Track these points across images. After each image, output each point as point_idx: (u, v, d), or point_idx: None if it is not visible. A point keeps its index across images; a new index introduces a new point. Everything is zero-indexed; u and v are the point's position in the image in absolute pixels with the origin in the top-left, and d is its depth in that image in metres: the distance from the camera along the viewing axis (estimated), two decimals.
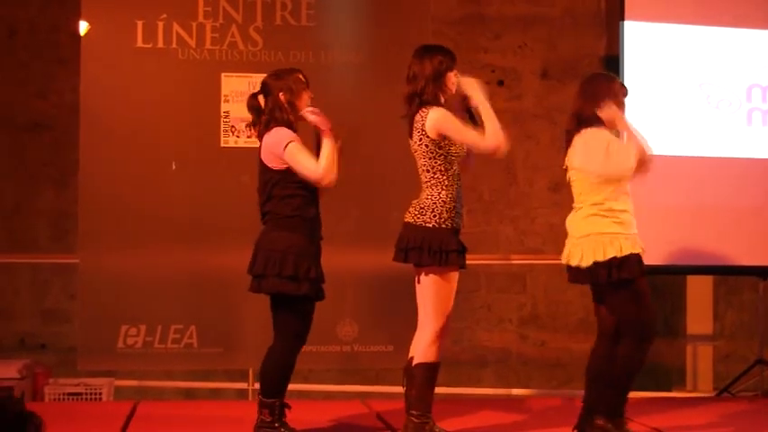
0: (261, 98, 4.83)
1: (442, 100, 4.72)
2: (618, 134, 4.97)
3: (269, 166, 4.72)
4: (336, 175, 4.73)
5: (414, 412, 4.68)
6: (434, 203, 4.65)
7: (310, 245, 4.71)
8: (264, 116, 4.79)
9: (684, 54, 6.87)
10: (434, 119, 4.64)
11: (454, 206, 4.68)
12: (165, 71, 6.24)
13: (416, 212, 4.68)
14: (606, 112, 4.79)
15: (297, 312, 4.71)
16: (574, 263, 4.78)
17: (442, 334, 4.71)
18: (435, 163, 4.67)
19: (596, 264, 4.70)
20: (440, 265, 4.62)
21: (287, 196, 4.69)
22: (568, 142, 4.90)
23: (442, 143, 4.66)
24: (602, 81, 4.94)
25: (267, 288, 4.68)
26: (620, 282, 4.70)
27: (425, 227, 4.63)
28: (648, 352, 4.85)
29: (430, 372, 4.70)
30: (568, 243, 4.87)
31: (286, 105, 4.75)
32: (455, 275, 4.70)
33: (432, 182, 4.69)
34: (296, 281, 4.62)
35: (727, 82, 6.92)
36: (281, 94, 4.75)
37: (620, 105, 4.89)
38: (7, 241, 7.47)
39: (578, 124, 4.85)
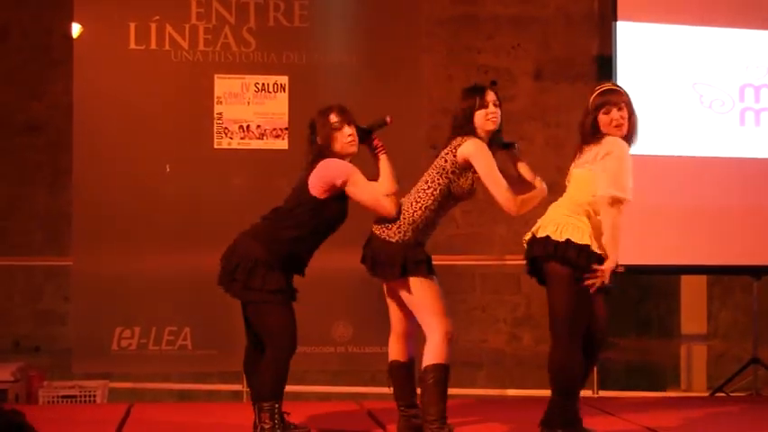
0: None
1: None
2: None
3: (308, 186, 4.63)
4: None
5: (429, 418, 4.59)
6: (404, 220, 4.62)
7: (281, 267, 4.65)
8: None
9: (677, 54, 6.88)
10: (470, 146, 4.61)
11: (425, 228, 4.65)
12: (158, 73, 6.25)
13: (383, 227, 4.65)
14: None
15: (273, 310, 4.64)
16: (543, 233, 4.59)
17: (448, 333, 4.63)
18: (441, 180, 4.63)
19: (568, 241, 4.51)
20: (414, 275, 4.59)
21: (290, 226, 4.63)
22: (592, 142, 4.67)
23: (458, 172, 4.62)
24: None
25: (235, 293, 4.67)
26: (583, 268, 4.49)
27: (389, 241, 4.61)
28: (597, 360, 4.78)
29: (440, 373, 4.59)
30: (542, 220, 4.68)
31: (325, 148, 4.69)
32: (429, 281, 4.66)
33: (420, 195, 4.64)
34: (260, 292, 4.59)
35: (719, 82, 6.93)
36: (318, 138, 4.70)
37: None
38: (1, 243, 7.47)
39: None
